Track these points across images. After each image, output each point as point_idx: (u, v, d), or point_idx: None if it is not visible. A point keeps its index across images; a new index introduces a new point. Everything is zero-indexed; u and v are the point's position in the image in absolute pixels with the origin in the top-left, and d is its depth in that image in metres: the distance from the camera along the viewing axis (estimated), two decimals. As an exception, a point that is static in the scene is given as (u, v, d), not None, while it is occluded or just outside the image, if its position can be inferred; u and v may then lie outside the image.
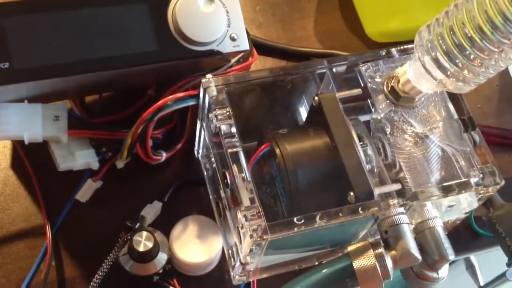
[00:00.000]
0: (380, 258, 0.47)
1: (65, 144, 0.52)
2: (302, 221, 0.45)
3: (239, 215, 0.46)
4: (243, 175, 0.46)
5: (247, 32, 0.59)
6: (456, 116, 0.52)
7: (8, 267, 0.54)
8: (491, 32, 0.43)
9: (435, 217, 0.51)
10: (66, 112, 0.51)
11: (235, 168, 0.47)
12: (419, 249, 0.51)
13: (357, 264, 0.47)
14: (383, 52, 0.53)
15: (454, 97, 0.53)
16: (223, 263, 0.56)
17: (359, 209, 0.46)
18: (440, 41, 0.45)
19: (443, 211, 0.53)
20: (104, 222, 0.55)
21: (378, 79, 0.53)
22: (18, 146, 0.57)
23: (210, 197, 0.57)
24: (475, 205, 0.53)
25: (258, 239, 0.45)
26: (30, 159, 0.57)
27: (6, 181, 0.57)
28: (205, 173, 0.58)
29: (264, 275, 0.55)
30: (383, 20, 0.68)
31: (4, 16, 0.45)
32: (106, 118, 0.57)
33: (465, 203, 0.53)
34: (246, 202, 0.46)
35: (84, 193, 0.55)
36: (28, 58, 0.45)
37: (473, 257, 0.88)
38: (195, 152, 0.59)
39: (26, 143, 0.51)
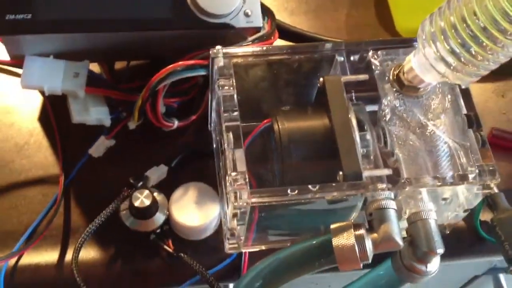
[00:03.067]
0: (360, 239, 0.47)
1: (82, 99, 0.56)
2: (285, 190, 0.47)
3: (227, 181, 0.48)
4: (233, 141, 0.48)
5: (273, 14, 0.61)
6: (464, 111, 0.52)
7: (21, 209, 0.58)
8: (493, 27, 0.43)
9: (429, 210, 0.50)
10: (87, 70, 0.55)
11: (230, 135, 0.49)
12: (410, 241, 0.51)
13: (336, 242, 0.48)
14: (394, 41, 0.54)
15: (464, 93, 0.53)
16: (219, 234, 0.58)
17: (344, 186, 0.47)
18: (443, 35, 0.46)
19: (441, 204, 0.53)
20: (113, 179, 0.58)
21: (386, 67, 0.53)
22: (47, 101, 0.62)
23: (216, 169, 0.59)
24: (474, 203, 0.52)
25: (241, 203, 0.47)
26: (56, 114, 0.61)
27: (32, 132, 0.62)
28: (214, 146, 0.60)
29: (256, 248, 0.56)
30: (414, 16, 0.67)
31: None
32: (129, 85, 0.61)
33: (463, 198, 0.52)
34: (233, 168, 0.48)
35: (97, 148, 0.58)
36: (49, 11, 0.49)
37: (502, 276, 0.85)
38: (208, 126, 0.62)
39: (46, 94, 0.55)
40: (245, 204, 0.47)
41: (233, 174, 0.47)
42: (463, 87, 0.53)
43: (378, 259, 0.54)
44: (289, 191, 0.47)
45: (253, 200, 0.46)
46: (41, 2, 0.49)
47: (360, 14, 0.70)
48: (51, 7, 0.49)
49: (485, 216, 0.59)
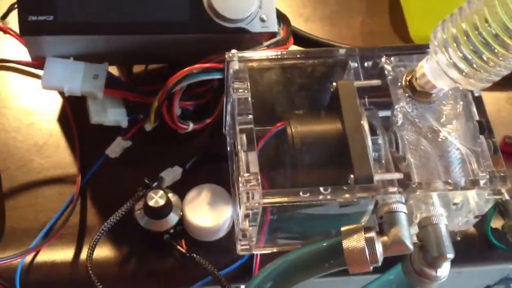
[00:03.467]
0: (370, 241, 0.48)
1: (100, 100, 0.57)
2: (297, 192, 0.47)
3: (240, 182, 0.49)
4: (246, 144, 0.49)
5: (288, 21, 0.62)
6: (477, 118, 0.53)
7: (38, 207, 0.59)
8: (505, 34, 0.43)
9: (440, 215, 0.51)
10: (106, 72, 0.57)
11: (243, 137, 0.50)
12: (420, 245, 0.52)
13: (346, 244, 0.48)
14: (407, 47, 0.55)
15: (476, 100, 0.54)
16: (231, 236, 0.58)
17: (355, 189, 0.48)
18: (455, 42, 0.46)
19: (452, 209, 0.53)
20: (128, 180, 0.59)
21: (399, 73, 0.54)
22: (66, 102, 0.63)
23: (230, 172, 0.60)
24: (485, 209, 0.52)
25: (253, 204, 0.48)
26: (75, 115, 0.63)
27: (51, 132, 0.63)
28: (228, 148, 0.61)
29: (268, 250, 0.57)
30: (428, 23, 0.67)
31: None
32: (146, 88, 0.62)
33: (473, 204, 0.52)
34: (246, 169, 0.48)
35: (114, 149, 0.59)
36: (71, 13, 0.51)
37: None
38: (223, 129, 0.63)
39: (66, 95, 0.56)
40: (257, 204, 0.48)
41: (246, 175, 0.48)
42: (475, 94, 0.54)
43: (388, 264, 0.55)
44: (301, 192, 0.48)
45: (265, 200, 0.47)
46: (63, 4, 0.50)
47: (374, 21, 0.71)
48: (73, 10, 0.51)
49: (497, 223, 0.59)
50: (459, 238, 0.58)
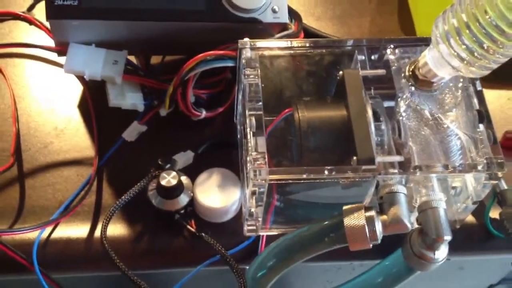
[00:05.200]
0: (370, 220, 0.50)
1: (119, 85, 0.60)
2: (302, 170, 0.50)
3: (248, 161, 0.52)
4: (255, 127, 0.52)
5: (300, 17, 0.65)
6: (477, 107, 0.55)
7: (57, 186, 0.62)
8: (504, 23, 0.46)
9: (439, 199, 0.53)
10: (125, 59, 0.60)
11: (252, 120, 0.53)
12: (419, 229, 0.54)
13: (347, 222, 0.51)
14: (411, 39, 0.58)
15: (477, 92, 0.56)
16: (239, 219, 0.61)
17: (357, 169, 0.50)
18: (456, 32, 0.49)
19: (451, 195, 0.55)
20: (143, 162, 0.61)
21: (402, 64, 0.56)
22: (86, 88, 0.67)
23: (239, 158, 0.63)
24: (482, 194, 0.55)
25: (259, 180, 0.50)
26: (93, 101, 0.66)
27: (71, 118, 0.67)
28: (238, 136, 0.64)
29: (274, 232, 0.59)
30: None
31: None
32: (162, 77, 0.65)
33: (471, 189, 0.54)
34: (254, 148, 0.51)
35: (130, 133, 0.62)
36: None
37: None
38: (234, 118, 0.65)
39: (87, 79, 0.60)
40: (263, 181, 0.50)
41: (254, 153, 0.51)
42: (477, 88, 0.56)
43: (388, 248, 0.57)
44: (305, 171, 0.50)
45: (271, 177, 0.50)
46: (88, -10, 0.54)
47: (383, 21, 0.74)
48: (97, -4, 0.55)
49: (495, 214, 0.61)
50: (458, 226, 0.60)
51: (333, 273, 0.71)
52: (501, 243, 0.61)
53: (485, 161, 0.52)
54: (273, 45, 0.56)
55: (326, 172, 0.50)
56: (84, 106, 0.67)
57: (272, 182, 0.50)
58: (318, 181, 0.51)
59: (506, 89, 0.71)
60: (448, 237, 0.52)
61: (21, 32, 0.72)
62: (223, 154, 0.64)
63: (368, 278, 0.59)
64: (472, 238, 0.62)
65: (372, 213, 0.50)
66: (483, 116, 0.54)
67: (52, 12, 0.54)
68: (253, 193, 0.52)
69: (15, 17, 0.72)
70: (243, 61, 0.55)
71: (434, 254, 0.53)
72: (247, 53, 0.55)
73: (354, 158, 0.51)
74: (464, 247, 0.62)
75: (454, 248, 0.55)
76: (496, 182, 0.53)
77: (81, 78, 0.67)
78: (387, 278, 0.58)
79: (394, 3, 0.75)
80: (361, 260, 0.62)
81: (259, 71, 0.55)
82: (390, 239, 0.52)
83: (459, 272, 0.76)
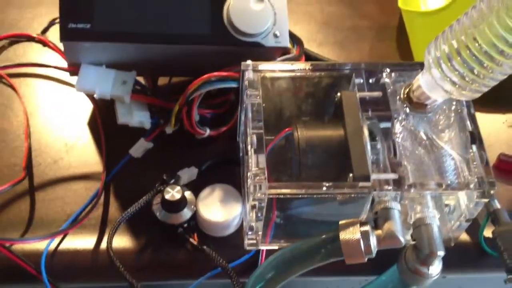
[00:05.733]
0: (365, 234, 0.53)
1: (127, 104, 0.63)
2: (301, 185, 0.53)
3: (248, 177, 0.54)
4: (256, 144, 0.54)
5: (301, 42, 0.68)
6: (470, 129, 0.57)
7: (66, 200, 0.65)
8: (493, 50, 0.48)
9: (433, 216, 0.55)
10: (133, 79, 0.63)
11: (254, 138, 0.55)
12: (414, 245, 0.56)
13: (343, 236, 0.53)
14: (407, 64, 0.60)
15: (470, 115, 0.58)
16: (240, 234, 0.63)
17: (353, 185, 0.53)
18: (448, 58, 0.51)
19: (445, 212, 0.57)
20: (149, 178, 0.63)
21: (398, 87, 0.59)
22: (95, 108, 0.70)
23: (241, 174, 0.65)
24: (475, 212, 0.57)
25: (259, 195, 0.52)
26: (103, 119, 0.69)
27: (81, 135, 0.70)
28: (240, 154, 0.67)
29: (274, 246, 0.61)
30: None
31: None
32: (168, 97, 0.68)
33: (464, 207, 0.56)
34: (254, 164, 0.54)
35: (137, 149, 0.65)
36: (106, 24, 0.57)
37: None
38: (237, 137, 0.68)
39: (97, 98, 0.63)
40: (263, 195, 0.52)
41: (254, 169, 0.53)
42: (471, 111, 0.58)
43: (383, 264, 0.59)
44: (303, 186, 0.53)
45: (271, 191, 0.52)
46: (100, 14, 0.57)
47: (382, 47, 0.77)
48: (108, 20, 0.58)
49: (489, 233, 0.63)
50: (453, 244, 0.62)
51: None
52: (495, 261, 0.63)
53: (476, 180, 0.54)
54: (274, 68, 0.59)
55: (323, 187, 0.53)
56: (93, 124, 0.70)
57: (272, 196, 0.53)
58: (315, 196, 0.53)
59: (501, 113, 0.73)
60: (441, 252, 0.54)
61: (35, 53, 0.76)
62: (225, 171, 0.67)
63: (364, 294, 0.60)
64: (466, 256, 0.64)
65: (367, 227, 0.53)
66: (475, 137, 0.57)
67: (66, 35, 0.57)
68: (253, 207, 0.54)
69: (30, 38, 0.75)
70: (246, 82, 0.58)
71: (428, 269, 0.55)
72: (249, 75, 0.58)
73: (351, 175, 0.53)
74: (460, 265, 0.64)
75: (448, 266, 0.57)
76: (488, 200, 0.55)
77: (91, 97, 0.70)
78: (383, 293, 0.60)
79: (393, 30, 0.79)
80: (358, 276, 0.64)
81: (260, 92, 0.58)
82: (386, 255, 0.55)
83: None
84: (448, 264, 0.56)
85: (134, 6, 0.58)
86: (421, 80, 0.56)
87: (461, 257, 0.64)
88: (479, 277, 0.68)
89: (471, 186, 0.54)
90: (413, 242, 0.56)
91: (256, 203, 0.54)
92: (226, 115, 0.69)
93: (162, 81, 0.72)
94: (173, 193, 0.60)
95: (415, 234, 0.55)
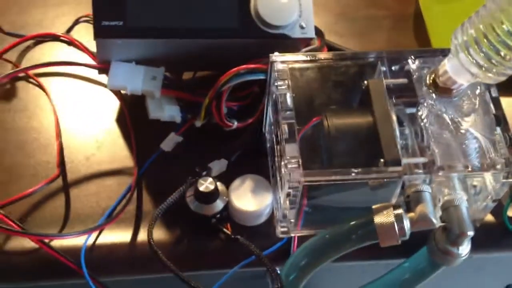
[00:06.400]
0: (398, 217, 0.54)
1: (157, 99, 0.65)
2: (332, 172, 0.54)
3: (282, 165, 0.56)
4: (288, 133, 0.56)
5: (322, 34, 0.70)
6: (494, 111, 0.59)
7: (100, 195, 0.66)
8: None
9: (461, 198, 0.57)
10: (162, 75, 0.65)
11: (285, 127, 0.57)
12: (443, 227, 0.57)
13: (377, 219, 0.55)
14: (430, 51, 0.62)
15: (493, 99, 0.60)
16: (271, 222, 0.65)
17: (386, 169, 0.54)
18: (475, 42, 0.53)
19: (471, 194, 0.59)
20: (180, 171, 0.65)
21: (423, 73, 0.61)
22: (123, 104, 0.71)
23: (269, 164, 0.67)
24: (501, 193, 0.58)
25: (295, 182, 0.54)
26: (131, 115, 0.71)
27: (110, 131, 0.71)
28: (268, 145, 0.68)
29: (305, 232, 0.63)
30: (448, 39, 0.75)
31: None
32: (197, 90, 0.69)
33: (490, 188, 0.58)
34: (288, 153, 0.55)
35: (167, 143, 0.67)
36: (138, 20, 0.59)
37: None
38: (263, 128, 0.69)
39: (129, 93, 0.64)
40: (298, 183, 0.54)
41: (288, 157, 0.55)
42: (493, 94, 0.60)
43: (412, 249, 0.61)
44: (336, 172, 0.54)
45: (305, 178, 0.54)
46: (132, 11, 0.59)
47: (399, 36, 0.79)
48: (140, 16, 0.59)
49: (513, 213, 0.65)
50: (478, 225, 0.63)
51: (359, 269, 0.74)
52: (519, 240, 0.65)
53: (503, 161, 0.56)
54: (301, 58, 0.61)
55: (357, 173, 0.54)
56: (121, 120, 0.72)
57: (306, 183, 0.54)
58: (348, 182, 0.55)
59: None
60: (471, 232, 0.55)
61: (60, 52, 0.77)
62: (254, 161, 0.68)
63: (396, 275, 0.62)
64: (491, 236, 0.66)
65: (400, 211, 0.54)
66: (500, 119, 0.58)
67: (100, 32, 0.59)
68: (288, 195, 0.56)
69: (55, 38, 0.77)
70: (275, 73, 0.59)
71: (458, 249, 0.57)
72: (278, 66, 0.60)
73: (382, 160, 0.55)
74: (484, 245, 0.65)
75: (475, 246, 0.58)
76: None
77: (117, 93, 0.72)
78: (414, 274, 0.61)
79: (409, 18, 0.80)
80: (386, 259, 0.66)
81: (290, 82, 0.59)
82: (413, 239, 0.56)
83: (478, 272, 0.79)
84: (474, 244, 0.58)
85: (164, 2, 0.59)
86: (448, 65, 0.57)
87: (486, 237, 0.65)
88: (501, 255, 0.70)
89: (498, 167, 0.56)
90: (442, 224, 0.57)
91: (291, 191, 0.55)
92: (250, 107, 0.70)
93: (186, 75, 0.73)
94: (206, 184, 0.62)
95: (444, 216, 0.57)
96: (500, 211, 0.65)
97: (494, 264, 0.75)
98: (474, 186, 0.58)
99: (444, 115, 0.59)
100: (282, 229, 0.62)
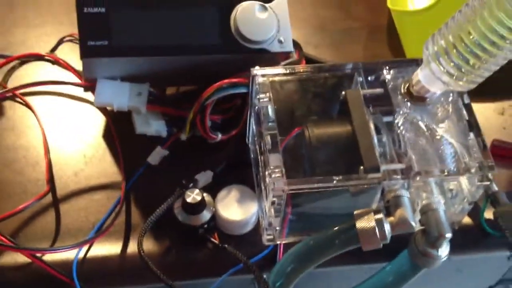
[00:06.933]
0: (379, 221, 0.57)
1: (143, 114, 0.67)
2: (315, 179, 0.56)
3: (266, 175, 0.58)
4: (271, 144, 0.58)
5: (300, 46, 0.72)
6: (466, 118, 0.62)
7: (90, 209, 0.68)
8: (486, 42, 0.53)
9: (438, 202, 0.59)
10: (147, 91, 0.67)
11: (268, 138, 0.59)
12: (423, 230, 0.60)
13: (359, 224, 0.57)
14: (404, 61, 0.65)
15: (466, 105, 0.63)
16: (257, 230, 0.67)
17: (366, 176, 0.57)
18: (445, 52, 0.56)
19: (448, 197, 0.62)
20: (167, 183, 0.67)
21: (397, 83, 0.63)
22: (109, 120, 0.73)
23: (253, 175, 0.69)
24: (477, 195, 0.61)
25: (278, 191, 0.56)
26: (117, 130, 0.72)
27: (97, 147, 0.73)
28: (252, 156, 0.70)
29: (290, 240, 0.65)
30: (421, 47, 0.78)
31: (115, 9, 0.62)
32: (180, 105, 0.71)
33: (466, 191, 0.61)
34: (271, 163, 0.57)
35: (154, 157, 0.69)
36: (122, 40, 0.61)
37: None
38: (246, 140, 0.72)
39: (115, 110, 0.66)
40: (282, 191, 0.56)
41: (272, 167, 0.57)
42: (465, 101, 0.62)
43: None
44: (318, 180, 0.57)
45: (289, 187, 0.56)
46: (117, 32, 0.61)
47: (374, 46, 0.82)
48: (124, 36, 0.61)
49: (489, 215, 0.68)
50: (456, 228, 0.66)
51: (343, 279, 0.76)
52: (496, 241, 0.67)
53: (477, 165, 0.59)
54: (281, 72, 0.63)
55: (339, 181, 0.57)
56: (108, 136, 0.73)
57: (290, 191, 0.56)
58: (330, 189, 0.57)
59: (491, 102, 0.78)
60: (449, 234, 0.58)
61: (45, 71, 0.79)
62: (238, 172, 0.70)
63: (379, 279, 0.64)
64: (469, 238, 0.68)
65: (381, 215, 0.57)
66: (473, 125, 0.61)
67: (86, 52, 0.61)
68: (273, 203, 0.58)
69: (39, 57, 0.79)
70: (257, 87, 0.62)
71: (438, 251, 0.59)
72: (259, 80, 0.62)
73: (361, 167, 0.57)
74: (463, 247, 0.68)
75: (453, 248, 0.61)
76: (488, 183, 0.59)
77: (104, 110, 0.74)
78: (396, 277, 0.63)
79: (383, 29, 0.83)
80: (369, 263, 0.68)
81: (271, 95, 0.61)
82: (395, 242, 0.58)
83: (458, 274, 0.81)
84: (453, 246, 0.60)
85: (148, 21, 0.62)
86: (420, 75, 0.60)
87: (464, 239, 0.68)
88: (479, 256, 0.72)
89: (472, 170, 0.59)
90: (422, 227, 0.60)
91: (276, 199, 0.57)
92: (233, 119, 0.72)
93: (170, 90, 0.76)
94: (193, 196, 0.63)
95: (423, 219, 0.59)
96: (477, 215, 0.68)
97: (474, 265, 0.78)
98: (451, 190, 0.61)
99: (420, 122, 0.61)
100: (268, 237, 0.64)
